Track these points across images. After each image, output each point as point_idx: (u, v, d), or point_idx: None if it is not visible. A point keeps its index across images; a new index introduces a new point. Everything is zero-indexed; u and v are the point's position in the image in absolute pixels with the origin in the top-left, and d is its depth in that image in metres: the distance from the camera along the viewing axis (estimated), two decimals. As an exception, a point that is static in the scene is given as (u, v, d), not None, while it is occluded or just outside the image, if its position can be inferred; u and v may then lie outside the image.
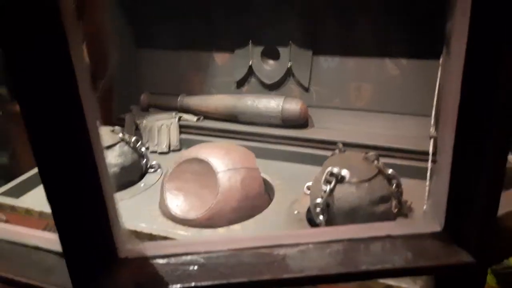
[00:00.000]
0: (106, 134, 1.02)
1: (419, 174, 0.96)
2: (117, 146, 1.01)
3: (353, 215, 0.76)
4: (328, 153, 1.04)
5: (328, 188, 0.76)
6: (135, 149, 1.04)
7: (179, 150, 1.20)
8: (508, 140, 0.36)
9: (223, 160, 0.88)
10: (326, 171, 0.77)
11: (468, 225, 0.40)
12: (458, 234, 0.40)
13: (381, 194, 0.77)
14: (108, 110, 1.30)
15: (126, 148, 1.03)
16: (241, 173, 0.87)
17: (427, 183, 0.83)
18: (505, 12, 0.32)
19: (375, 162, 0.79)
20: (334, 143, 1.05)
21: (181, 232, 0.81)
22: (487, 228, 0.39)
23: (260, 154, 1.09)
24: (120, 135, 1.02)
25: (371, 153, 0.79)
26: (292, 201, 0.92)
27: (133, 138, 1.04)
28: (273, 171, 1.04)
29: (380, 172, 0.78)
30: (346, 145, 1.03)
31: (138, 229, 0.80)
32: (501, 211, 0.41)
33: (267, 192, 0.97)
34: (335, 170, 0.77)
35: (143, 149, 1.06)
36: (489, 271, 0.89)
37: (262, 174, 0.97)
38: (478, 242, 0.39)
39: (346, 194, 0.76)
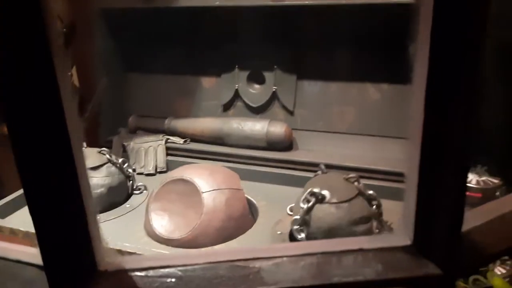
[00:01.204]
0: (94, 155, 1.03)
1: (400, 195, 0.98)
2: (104, 167, 1.03)
3: (332, 235, 0.77)
4: (312, 174, 1.07)
5: (306, 206, 0.78)
6: (122, 170, 1.05)
7: (166, 171, 1.21)
8: (468, 160, 0.39)
9: (208, 181, 0.90)
10: (307, 191, 0.79)
11: (435, 239, 0.42)
12: (426, 247, 0.42)
13: (361, 215, 0.79)
14: (96, 132, 1.31)
15: (113, 169, 1.04)
16: (225, 194, 0.89)
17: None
18: (462, 37, 0.35)
19: (356, 183, 0.81)
20: (317, 165, 1.07)
21: (165, 252, 0.82)
22: (452, 242, 0.41)
23: (246, 175, 1.11)
24: (107, 156, 1.04)
25: (352, 175, 0.82)
26: (276, 222, 0.93)
27: (120, 160, 1.05)
28: (257, 192, 1.06)
29: (360, 193, 0.81)
30: (329, 167, 1.06)
31: (123, 248, 0.81)
32: (467, 226, 0.44)
33: (252, 212, 0.98)
34: (316, 190, 0.79)
35: (129, 170, 1.07)
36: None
37: (246, 195, 0.99)
38: (444, 255, 0.41)
39: (326, 214, 0.78)
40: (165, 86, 1.31)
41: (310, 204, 0.78)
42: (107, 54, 1.29)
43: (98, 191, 1.00)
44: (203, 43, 1.23)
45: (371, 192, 0.82)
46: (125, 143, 1.25)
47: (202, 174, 0.91)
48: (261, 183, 1.12)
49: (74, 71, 1.41)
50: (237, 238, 0.88)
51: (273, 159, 1.13)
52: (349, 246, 0.44)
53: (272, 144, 1.15)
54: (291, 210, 0.96)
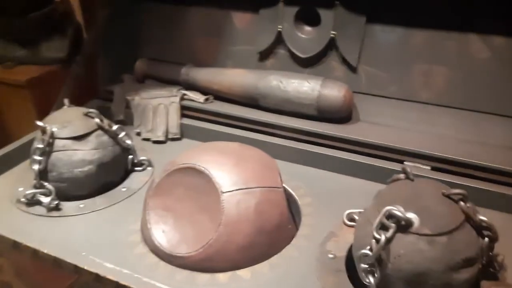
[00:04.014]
0: (78, 119, 0.80)
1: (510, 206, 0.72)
2: (93, 136, 0.80)
3: (419, 283, 0.53)
4: (379, 161, 0.81)
5: (383, 237, 0.53)
6: (116, 141, 0.82)
7: (180, 139, 0.97)
8: None
9: (232, 174, 0.65)
10: (384, 210, 0.53)
11: None
12: None
13: (467, 255, 0.53)
14: (94, 79, 1.08)
15: (105, 138, 0.81)
16: (256, 196, 0.64)
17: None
18: None
19: (462, 202, 0.54)
20: (388, 148, 0.81)
21: (162, 286, 0.59)
22: None
23: (286, 155, 0.87)
24: (97, 120, 0.80)
25: (457, 191, 0.55)
26: (326, 235, 0.69)
27: (115, 127, 0.81)
28: (300, 182, 0.81)
29: (468, 219, 0.54)
30: (406, 154, 0.79)
31: (101, 272, 0.59)
32: None
33: (293, 215, 0.74)
34: (397, 211, 0.53)
35: (128, 141, 0.83)
36: None
37: (286, 186, 0.74)
38: None
39: (412, 251, 0.52)
40: (184, 21, 1.04)
41: (389, 234, 0.52)
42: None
43: (85, 169, 0.78)
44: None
45: (483, 218, 0.55)
46: (129, 97, 1.00)
47: (225, 164, 0.66)
48: (306, 167, 0.86)
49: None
50: (269, 260, 0.65)
51: (324, 134, 0.87)
52: None
53: (325, 113, 0.88)
54: (349, 218, 0.71)
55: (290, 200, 0.76)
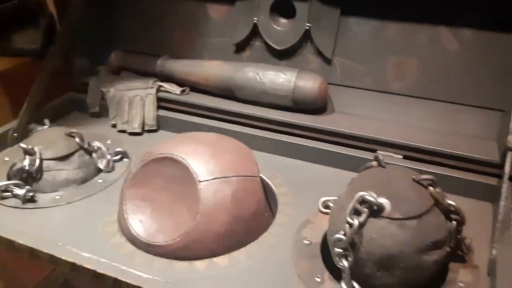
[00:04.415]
0: (60, 140, 0.81)
1: (478, 192, 0.75)
2: (76, 155, 0.81)
3: (390, 265, 0.55)
4: (353, 151, 0.83)
5: (356, 222, 0.55)
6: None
7: (156, 131, 0.98)
8: None
9: (209, 165, 0.66)
10: (357, 196, 0.55)
11: None
12: None
13: (436, 238, 0.55)
14: (69, 72, 1.07)
15: (87, 158, 0.81)
16: (233, 185, 0.66)
17: (499, 211, 0.62)
18: None
19: (430, 187, 0.57)
20: (362, 138, 0.83)
21: (140, 274, 0.60)
22: None
23: (262, 145, 0.88)
24: (77, 140, 0.80)
25: (427, 176, 0.57)
26: (302, 223, 0.71)
27: (96, 144, 0.83)
28: (276, 171, 0.82)
29: (437, 203, 0.57)
30: (379, 143, 0.82)
31: (78, 261, 0.60)
32: None
33: (269, 204, 0.75)
34: (369, 197, 0.55)
35: (108, 156, 0.84)
36: None
37: (262, 176, 0.76)
38: None
39: (384, 235, 0.55)
40: (160, 13, 1.04)
41: (362, 219, 0.54)
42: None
43: (69, 187, 0.79)
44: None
45: (451, 202, 0.58)
46: (104, 89, 1.00)
47: (202, 153, 0.67)
48: (282, 157, 0.88)
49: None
50: (246, 247, 0.66)
51: (300, 125, 0.88)
52: None
53: (300, 104, 0.90)
54: (324, 205, 0.73)
55: (267, 189, 0.78)
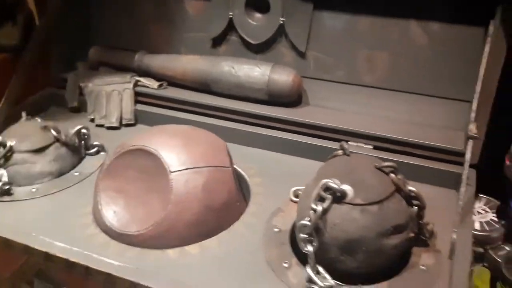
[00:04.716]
0: (36, 132, 0.81)
1: (445, 180, 0.77)
2: (52, 148, 0.82)
3: (353, 249, 0.57)
4: (326, 142, 0.86)
5: (320, 208, 0.57)
6: (75, 150, 0.84)
7: (134, 125, 0.99)
8: None
9: (180, 155, 0.68)
10: (321, 183, 0.58)
11: None
12: None
13: (397, 222, 0.58)
14: (47, 66, 1.08)
15: (63, 150, 0.82)
16: (204, 175, 0.67)
17: (460, 197, 0.65)
18: None
19: (392, 174, 0.59)
20: (334, 130, 0.86)
21: (111, 261, 0.61)
22: None
23: (236, 138, 0.90)
24: (53, 132, 0.81)
25: (388, 163, 0.59)
26: (273, 212, 0.73)
27: (72, 133, 0.84)
28: (250, 163, 0.84)
29: (398, 190, 0.59)
30: (351, 134, 0.84)
31: (51, 250, 0.61)
32: None
33: (243, 194, 0.77)
34: (333, 184, 0.57)
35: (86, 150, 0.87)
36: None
37: (237, 167, 0.78)
38: None
39: (346, 220, 0.57)
40: (137, 8, 1.06)
41: (326, 205, 0.57)
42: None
43: (44, 180, 0.80)
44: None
45: (412, 188, 0.60)
46: (83, 84, 1.01)
47: (174, 145, 0.69)
48: (256, 149, 0.90)
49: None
50: (218, 236, 0.68)
51: (274, 117, 0.90)
52: None
53: (275, 97, 0.92)
54: (295, 195, 0.75)
55: (241, 180, 0.80)
